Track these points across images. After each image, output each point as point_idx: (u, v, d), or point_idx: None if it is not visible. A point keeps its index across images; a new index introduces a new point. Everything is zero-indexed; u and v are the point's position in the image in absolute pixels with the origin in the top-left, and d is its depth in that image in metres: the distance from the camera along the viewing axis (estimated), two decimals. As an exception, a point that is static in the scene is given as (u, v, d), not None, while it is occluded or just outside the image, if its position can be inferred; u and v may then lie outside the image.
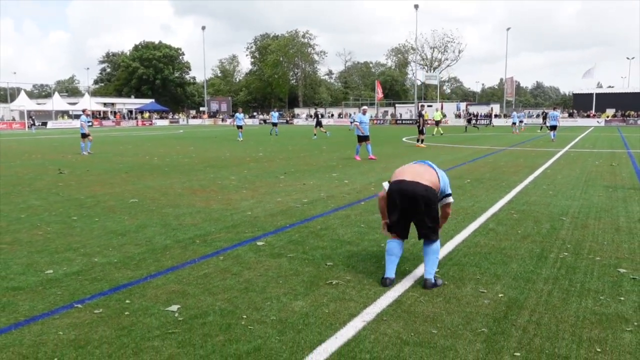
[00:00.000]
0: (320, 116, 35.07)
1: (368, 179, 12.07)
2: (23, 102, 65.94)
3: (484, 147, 23.54)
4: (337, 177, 12.54)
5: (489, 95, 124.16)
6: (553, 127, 27.79)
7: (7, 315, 4.12)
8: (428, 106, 65.56)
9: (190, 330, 3.80)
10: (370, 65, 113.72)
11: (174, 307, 4.23)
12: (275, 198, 9.47)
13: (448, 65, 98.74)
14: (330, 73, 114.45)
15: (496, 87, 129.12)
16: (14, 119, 66.49)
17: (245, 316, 4.07)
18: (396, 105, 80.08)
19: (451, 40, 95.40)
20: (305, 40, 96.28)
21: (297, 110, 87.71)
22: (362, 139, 17.17)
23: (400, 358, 3.39)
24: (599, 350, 3.50)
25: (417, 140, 24.35)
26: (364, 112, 18.01)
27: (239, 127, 30.73)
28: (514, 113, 41.90)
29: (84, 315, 4.10)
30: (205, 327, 3.86)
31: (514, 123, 39.14)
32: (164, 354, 3.44)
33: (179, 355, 3.43)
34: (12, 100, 69.87)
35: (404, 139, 30.01)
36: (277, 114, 39.40)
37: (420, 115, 23.92)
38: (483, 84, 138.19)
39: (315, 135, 32.27)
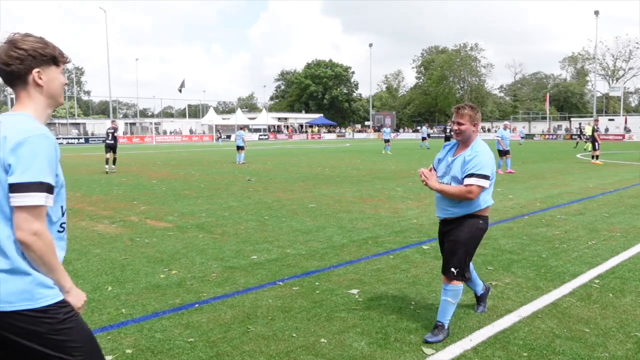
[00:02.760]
0: (449, 131, 35.93)
1: (534, 195, 12.07)
2: (211, 118, 74.18)
3: (673, 165, 21.39)
4: (502, 191, 12.69)
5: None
6: None
7: (230, 285, 5.38)
8: (610, 120, 60.21)
9: (369, 308, 4.67)
10: (543, 76, 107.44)
11: (354, 291, 5.14)
12: (439, 209, 10.07)
13: (634, 75, 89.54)
14: (500, 87, 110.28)
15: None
16: (204, 132, 75.08)
17: (413, 303, 4.83)
18: (571, 119, 74.71)
19: (638, 47, 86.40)
20: (473, 53, 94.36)
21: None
22: (502, 153, 18.20)
23: (550, 347, 3.87)
24: None
25: (592, 157, 22.95)
26: (505, 127, 19.43)
27: (387, 140, 33.79)
28: None
29: (284, 290, 5.19)
30: (380, 307, 4.69)
31: None
32: (349, 323, 4.33)
33: (361, 324, 4.30)
34: (203, 115, 78.95)
35: (578, 155, 28.34)
36: (426, 128, 43.17)
37: (594, 130, 22.56)
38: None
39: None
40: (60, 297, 2.05)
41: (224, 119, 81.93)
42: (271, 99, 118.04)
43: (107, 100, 71.24)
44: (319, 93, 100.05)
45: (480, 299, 4.67)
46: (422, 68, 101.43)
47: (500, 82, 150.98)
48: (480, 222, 4.12)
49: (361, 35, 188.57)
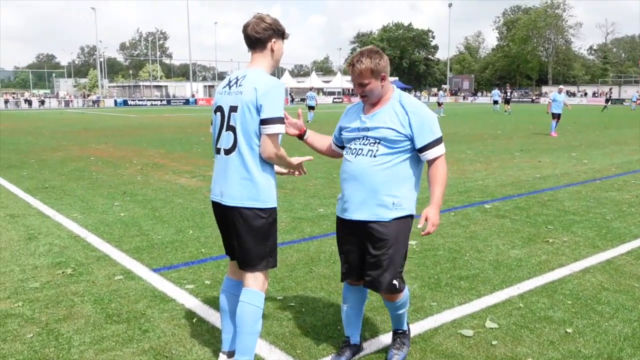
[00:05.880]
0: (509, 94, 36.87)
1: (611, 160, 11.71)
2: (286, 81, 75.10)
3: None
4: (576, 156, 12.39)
5: None
6: None
7: (297, 233, 5.86)
8: None
9: (425, 257, 4.99)
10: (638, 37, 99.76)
11: (413, 242, 5.44)
12: (507, 172, 10.08)
13: None
14: (590, 49, 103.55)
15: None
16: (278, 95, 76.41)
17: (467, 255, 5.10)
18: (669, 82, 69.31)
19: None
20: (560, 11, 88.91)
21: (544, 89, 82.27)
22: (555, 115, 18.30)
23: (596, 298, 4.04)
24: None
25: (685, 123, 21.53)
26: (560, 91, 19.13)
27: (440, 104, 36.01)
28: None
29: (347, 240, 5.59)
30: (436, 257, 5.00)
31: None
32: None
33: (415, 270, 4.64)
34: (278, 78, 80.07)
35: (669, 122, 26.62)
36: (497, 91, 42.51)
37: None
38: None
39: (506, 111, 35.24)
40: (275, 204, 2.92)
41: (298, 82, 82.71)
42: (346, 62, 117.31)
43: (187, 63, 73.64)
44: (396, 57, 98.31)
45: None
46: (504, 29, 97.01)
47: (589, 42, 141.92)
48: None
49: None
